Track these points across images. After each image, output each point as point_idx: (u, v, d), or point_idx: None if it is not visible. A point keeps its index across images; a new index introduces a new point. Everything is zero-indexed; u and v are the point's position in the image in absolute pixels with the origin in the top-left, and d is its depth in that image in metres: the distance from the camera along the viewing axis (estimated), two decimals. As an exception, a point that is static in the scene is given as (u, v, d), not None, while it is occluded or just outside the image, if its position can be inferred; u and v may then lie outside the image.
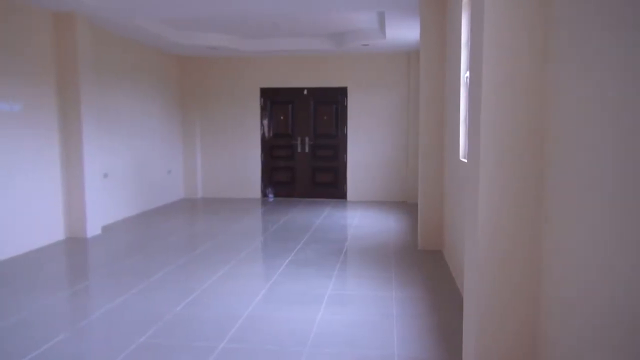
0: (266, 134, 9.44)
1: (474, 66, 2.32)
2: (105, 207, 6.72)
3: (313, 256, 5.24)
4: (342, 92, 9.12)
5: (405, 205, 8.63)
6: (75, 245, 5.73)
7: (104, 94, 6.78)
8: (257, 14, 6.36)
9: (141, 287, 4.17)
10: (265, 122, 9.41)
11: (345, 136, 9.18)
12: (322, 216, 7.57)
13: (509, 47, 2.10)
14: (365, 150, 9.10)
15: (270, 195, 9.48)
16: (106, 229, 6.58)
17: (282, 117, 9.40)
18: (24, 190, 5.35)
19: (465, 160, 3.94)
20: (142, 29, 6.73)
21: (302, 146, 9.35)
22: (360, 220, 7.24)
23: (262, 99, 9.35)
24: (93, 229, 6.16)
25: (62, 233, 5.97)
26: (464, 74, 4.22)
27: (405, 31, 6.86)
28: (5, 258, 5.05)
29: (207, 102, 9.46)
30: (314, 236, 6.18)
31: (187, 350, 2.99)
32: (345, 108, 9.14)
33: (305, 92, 9.22)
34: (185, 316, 3.54)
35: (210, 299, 3.91)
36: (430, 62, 5.35)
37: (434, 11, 5.28)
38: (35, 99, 5.52)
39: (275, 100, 9.37)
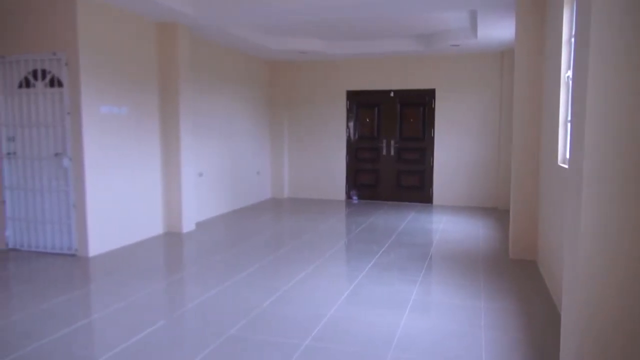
0: (351, 137, 9.49)
1: (578, 65, 2.17)
2: (199, 205, 7.14)
3: (397, 260, 5.18)
4: (429, 94, 8.93)
5: (495, 211, 8.26)
6: (172, 240, 6.14)
7: (199, 97, 7.19)
8: (350, 19, 6.42)
9: (231, 282, 4.37)
10: (351, 124, 9.46)
11: (432, 139, 8.98)
12: (406, 220, 7.46)
13: (617, 46, 1.94)
14: (454, 154, 8.84)
15: (355, 197, 9.51)
16: (200, 225, 6.97)
17: (367, 120, 9.39)
18: (130, 187, 5.82)
19: (565, 166, 3.69)
20: (236, 36, 7.06)
21: (388, 149, 9.28)
22: (447, 225, 7.04)
23: (348, 102, 9.42)
24: (188, 224, 6.56)
25: (161, 228, 6.42)
26: (565, 74, 3.95)
27: (498, 30, 6.57)
28: (113, 249, 5.52)
29: (295, 105, 9.70)
30: (399, 240, 6.11)
31: (273, 346, 3.09)
32: (432, 110, 8.94)
33: (392, 94, 9.15)
34: (272, 312, 3.66)
35: (295, 297, 4.00)
36: (526, 61, 5.08)
37: (532, 8, 5.01)
38: (140, 102, 5.99)
39: (361, 103, 9.40)
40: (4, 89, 5.35)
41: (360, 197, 9.51)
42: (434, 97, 8.89)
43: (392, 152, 9.27)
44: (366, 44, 8.27)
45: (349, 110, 9.44)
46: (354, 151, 9.51)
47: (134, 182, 5.90)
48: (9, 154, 5.41)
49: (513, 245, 5.23)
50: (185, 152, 6.44)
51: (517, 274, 4.68)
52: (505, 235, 6.22)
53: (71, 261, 5.06)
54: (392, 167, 9.30)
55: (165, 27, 6.21)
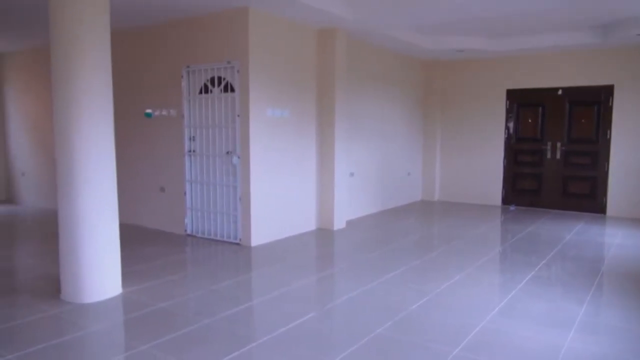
0: (511, 138, 8.87)
1: None
2: (350, 204, 7.34)
3: (561, 274, 4.71)
4: (606, 91, 7.92)
5: (688, 227, 7.01)
6: (324, 236, 6.41)
7: (353, 99, 7.39)
8: (521, 13, 6.02)
9: (379, 281, 4.41)
10: (511, 125, 8.84)
11: (608, 141, 7.95)
12: (573, 231, 6.72)
13: None
14: (635, 159, 7.71)
15: (512, 205, 8.87)
16: (350, 223, 7.16)
17: (529, 120, 8.69)
18: (289, 184, 6.23)
19: None
20: (390, 37, 7.10)
21: (553, 152, 8.47)
22: (624, 240, 6.18)
23: (507, 101, 8.82)
24: (339, 222, 6.79)
25: (314, 224, 6.75)
26: None
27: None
28: (271, 240, 5.97)
29: (449, 105, 9.40)
30: (563, 252, 5.54)
31: (421, 349, 3.04)
32: (609, 109, 7.91)
33: (560, 92, 8.33)
34: (420, 316, 3.60)
35: (444, 303, 3.88)
36: None
37: None
38: (300, 105, 6.36)
39: (523, 102, 8.73)
40: (187, 95, 6.12)
41: (518, 204, 8.85)
42: (612, 95, 7.86)
43: (558, 156, 8.43)
44: (529, 39, 7.65)
45: (508, 110, 8.84)
46: (513, 154, 8.87)
47: (292, 179, 6.30)
48: (190, 151, 6.18)
49: None
50: (338, 152, 6.67)
51: None
52: (703, 257, 5.24)
53: (236, 249, 5.60)
54: (557, 172, 8.47)
55: (325, 33, 6.51)
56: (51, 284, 4.20)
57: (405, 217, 7.88)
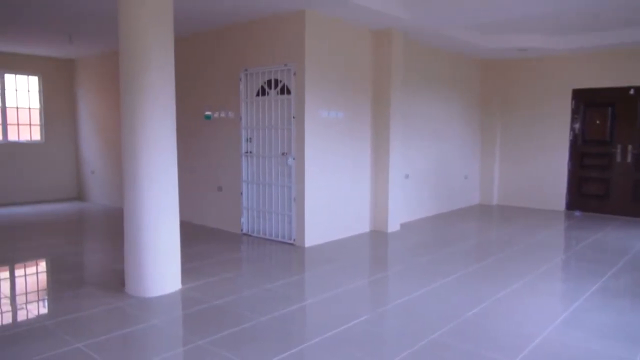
0: (577, 140, 8.43)
1: None
2: (404, 206, 7.24)
3: (631, 285, 4.42)
4: (685, 90, 7.37)
5: None
6: (377, 238, 6.36)
7: (407, 100, 7.28)
8: (588, 6, 5.73)
9: (434, 286, 4.32)
10: (577, 126, 8.41)
11: (686, 144, 7.40)
12: (645, 240, 6.30)
13: None
14: None
15: (577, 211, 8.42)
16: (404, 226, 7.06)
17: (597, 122, 8.22)
18: (343, 186, 6.23)
19: None
20: (447, 37, 6.94)
21: (623, 155, 7.97)
22: None
23: (573, 102, 8.39)
24: (393, 225, 6.71)
25: (367, 226, 6.71)
26: None
27: None
28: (325, 241, 5.99)
29: (509, 106, 9.07)
30: (634, 262, 5.20)
31: (477, 358, 2.95)
32: (688, 109, 7.36)
33: (632, 91, 7.83)
34: (476, 323, 3.49)
35: (502, 311, 3.74)
36: None
37: None
38: (355, 107, 6.35)
39: (590, 103, 8.27)
40: (245, 97, 6.26)
41: (583, 209, 8.39)
42: (692, 94, 7.30)
43: (630, 159, 7.93)
44: (598, 35, 7.25)
45: (574, 111, 8.41)
46: (578, 157, 8.43)
47: (346, 181, 6.29)
48: (246, 152, 6.32)
49: None
50: (393, 154, 6.60)
51: None
52: None
53: (290, 249, 5.67)
54: (628, 176, 7.96)
55: (380, 34, 6.46)
56: (116, 278, 4.43)
57: (462, 221, 7.68)
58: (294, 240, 5.85)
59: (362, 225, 6.61)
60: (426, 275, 4.65)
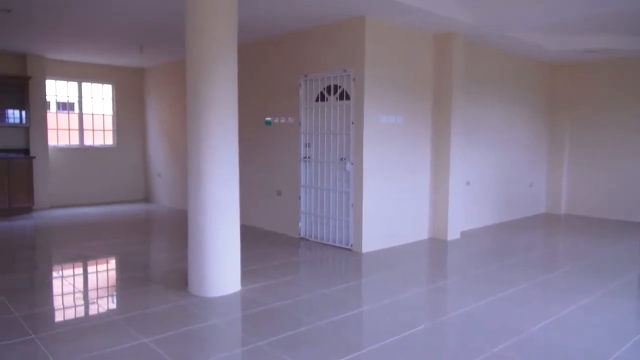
0: (655, 147, 7.87)
1: None
2: (465, 214, 7.04)
3: None
4: None
5: None
6: (436, 246, 6.22)
7: (470, 105, 7.09)
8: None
9: (496, 297, 4.16)
10: (655, 132, 7.85)
11: None
12: None
13: None
14: None
15: (655, 221, 7.85)
16: (465, 234, 6.86)
17: (679, 127, 7.64)
18: (401, 192, 6.15)
19: None
20: (511, 39, 6.70)
21: None
22: None
23: (652, 105, 7.85)
24: (453, 232, 6.55)
25: (426, 233, 6.58)
26: None
27: None
28: (383, 248, 5.93)
29: (580, 111, 8.61)
30: None
31: (542, 375, 2.81)
32: None
33: None
34: (542, 338, 3.33)
35: (571, 327, 3.55)
36: None
37: None
38: (414, 112, 6.26)
39: (671, 106, 7.70)
40: (304, 102, 6.34)
41: (663, 221, 7.81)
42: None
43: None
44: (683, 34, 6.74)
45: (652, 116, 7.86)
46: (657, 165, 7.86)
47: (405, 187, 6.21)
48: (305, 157, 6.39)
49: None
50: (454, 160, 6.45)
51: None
52: None
53: (347, 255, 5.66)
54: None
55: (442, 37, 6.34)
56: (180, 278, 4.61)
57: (526, 230, 7.36)
58: (352, 245, 5.84)
59: (420, 232, 6.50)
60: (488, 286, 4.49)
